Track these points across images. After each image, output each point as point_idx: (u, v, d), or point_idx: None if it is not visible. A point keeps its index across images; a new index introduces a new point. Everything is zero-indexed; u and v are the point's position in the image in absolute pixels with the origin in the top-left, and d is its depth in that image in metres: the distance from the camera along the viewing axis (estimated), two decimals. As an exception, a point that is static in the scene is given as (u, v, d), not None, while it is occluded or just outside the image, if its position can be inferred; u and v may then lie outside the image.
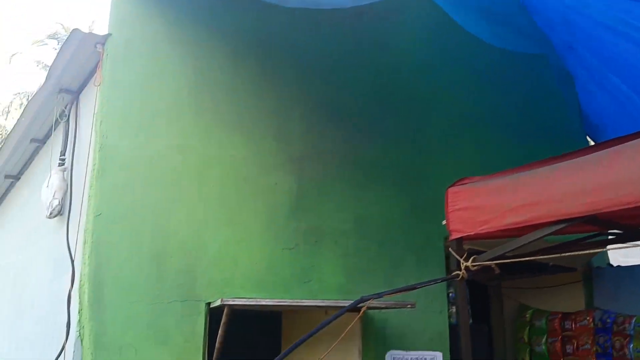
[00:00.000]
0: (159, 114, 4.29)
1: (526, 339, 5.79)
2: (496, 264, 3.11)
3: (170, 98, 4.32)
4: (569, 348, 5.44)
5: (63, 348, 3.75)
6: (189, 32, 4.47)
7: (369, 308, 3.93)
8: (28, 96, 17.73)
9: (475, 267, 3.15)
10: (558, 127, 5.79)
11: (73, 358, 3.82)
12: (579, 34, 5.31)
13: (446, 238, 4.67)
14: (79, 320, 3.86)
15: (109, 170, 4.09)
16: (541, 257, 3.10)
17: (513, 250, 3.09)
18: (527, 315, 5.85)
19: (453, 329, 4.57)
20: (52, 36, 20.68)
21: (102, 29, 4.32)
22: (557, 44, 5.70)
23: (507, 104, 5.57)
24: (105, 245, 3.96)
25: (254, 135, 4.51)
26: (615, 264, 5.89)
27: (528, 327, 5.81)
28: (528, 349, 5.77)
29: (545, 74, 5.84)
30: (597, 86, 5.80)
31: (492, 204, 3.02)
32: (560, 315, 5.59)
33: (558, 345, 5.51)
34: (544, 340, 5.64)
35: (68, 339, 3.78)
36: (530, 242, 2.94)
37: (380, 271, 4.55)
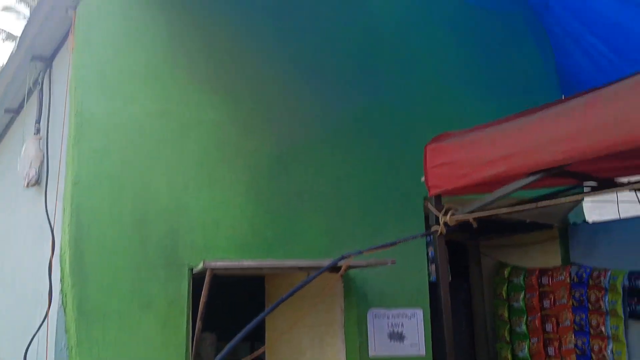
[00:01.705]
0: (134, 77, 4.22)
1: (504, 295, 5.93)
2: (474, 218, 3.16)
3: (145, 61, 4.26)
4: (546, 303, 5.58)
5: (46, 316, 3.76)
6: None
7: (350, 267, 3.98)
8: (-1, 68, 17.24)
9: (453, 222, 3.21)
10: (535, 85, 5.82)
11: (57, 326, 3.83)
12: (555, -9, 5.34)
13: (425, 197, 4.76)
14: (62, 288, 3.86)
15: (86, 137, 4.04)
16: (518, 208, 3.16)
17: (491, 203, 3.15)
18: (505, 272, 5.98)
19: (432, 286, 4.65)
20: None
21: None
22: (533, 2, 5.73)
23: (484, 61, 5.58)
24: (85, 212, 3.94)
25: (232, 97, 4.48)
26: (590, 221, 6.01)
27: (506, 284, 5.94)
28: (506, 305, 5.91)
29: (521, 32, 5.85)
30: (573, 44, 5.85)
31: (469, 157, 3.05)
32: (537, 271, 5.71)
33: (535, 300, 5.65)
34: (521, 296, 5.77)
35: (50, 307, 3.78)
36: (507, 194, 2.99)
37: (361, 232, 4.60)
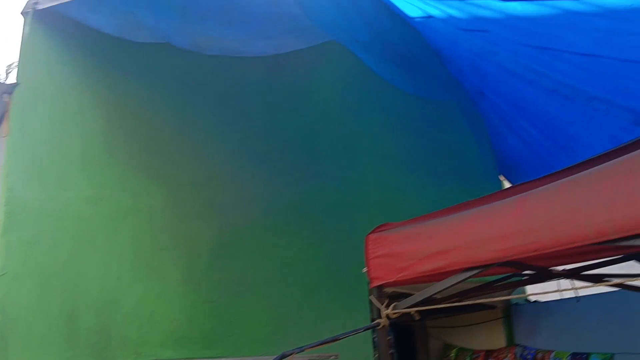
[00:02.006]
0: (69, 164, 4.11)
1: (452, 379, 5.85)
2: (415, 310, 3.12)
3: (81, 147, 4.16)
4: (493, 386, 5.53)
5: (-40, 423, 3.44)
6: (101, 78, 4.36)
7: (293, 360, 3.85)
8: None
9: (395, 315, 3.16)
10: (473, 169, 6.00)
11: None
12: (489, 81, 5.61)
13: (369, 284, 4.72)
14: (-19, 390, 3.57)
15: (16, 226, 3.85)
16: (458, 303, 3.15)
17: (431, 295, 3.12)
18: (452, 354, 5.92)
19: (379, 374, 4.53)
20: None
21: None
22: (468, 90, 5.99)
23: (424, 147, 5.74)
24: (12, 305, 3.71)
25: (172, 182, 4.41)
26: (532, 300, 6.08)
27: (453, 367, 5.88)
28: (454, 389, 5.82)
29: (458, 119, 6.08)
30: (507, 129, 6.10)
31: (409, 251, 3.05)
32: (483, 352, 5.68)
33: (483, 383, 5.60)
34: (468, 378, 5.71)
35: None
36: (447, 288, 2.98)
37: (307, 319, 4.49)
